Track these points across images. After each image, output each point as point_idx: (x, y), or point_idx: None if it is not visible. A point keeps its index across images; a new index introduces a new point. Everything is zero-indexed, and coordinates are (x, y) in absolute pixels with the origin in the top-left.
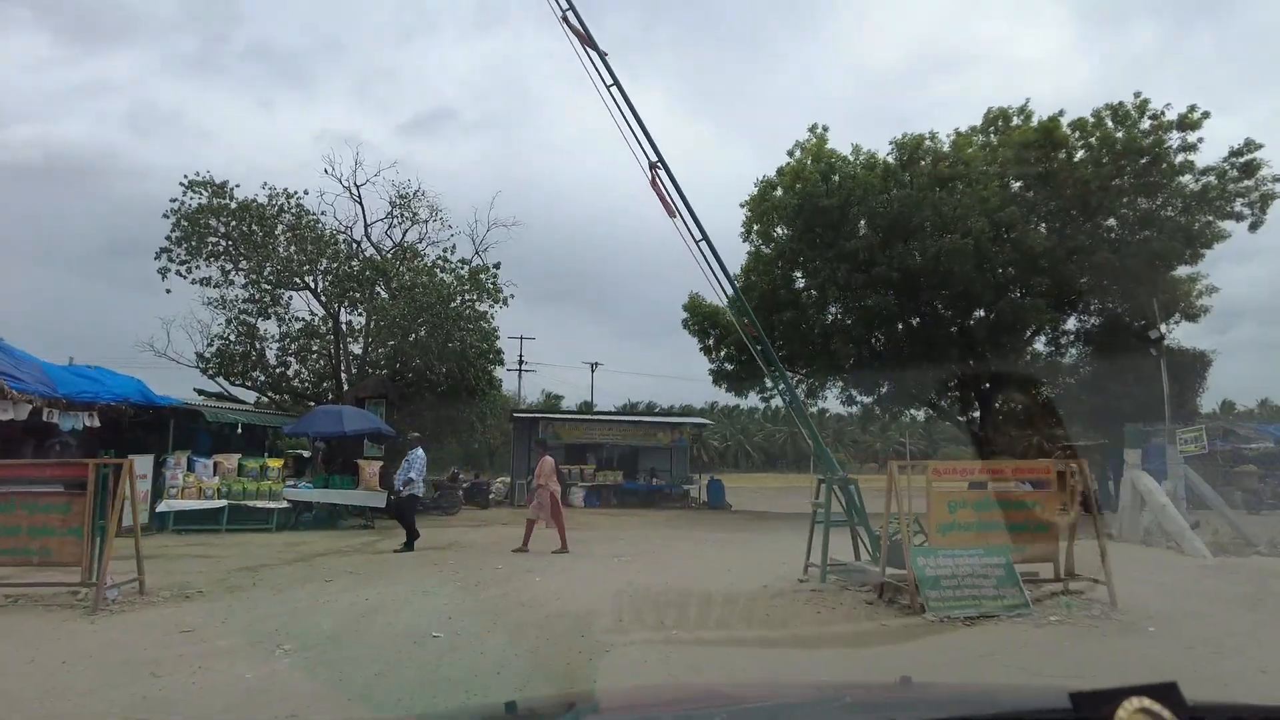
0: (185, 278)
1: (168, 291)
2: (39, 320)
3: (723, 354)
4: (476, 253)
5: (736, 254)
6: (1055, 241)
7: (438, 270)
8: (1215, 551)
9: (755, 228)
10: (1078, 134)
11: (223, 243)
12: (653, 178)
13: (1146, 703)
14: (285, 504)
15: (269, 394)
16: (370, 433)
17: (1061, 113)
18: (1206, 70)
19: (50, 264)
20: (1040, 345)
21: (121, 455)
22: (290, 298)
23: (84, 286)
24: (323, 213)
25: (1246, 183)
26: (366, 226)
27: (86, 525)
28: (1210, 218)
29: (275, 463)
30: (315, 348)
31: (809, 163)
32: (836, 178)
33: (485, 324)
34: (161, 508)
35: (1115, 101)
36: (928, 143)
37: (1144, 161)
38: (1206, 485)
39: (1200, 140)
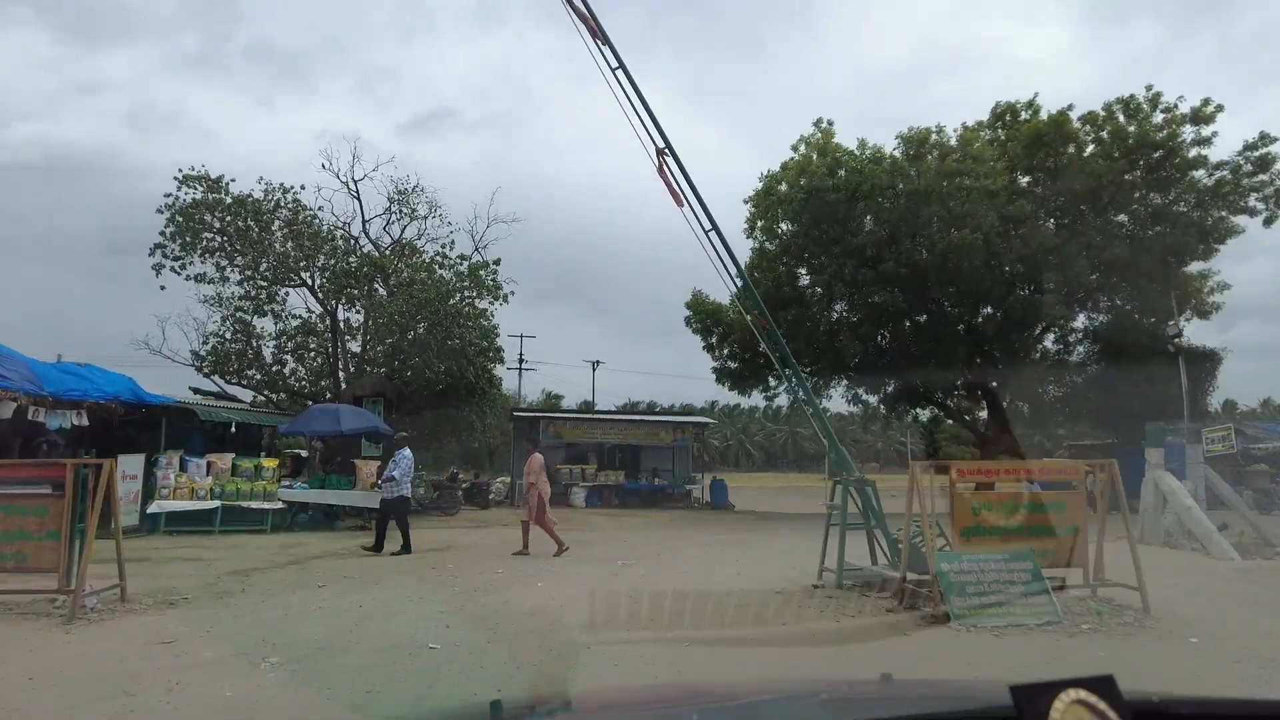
0: (180, 274)
1: (162, 288)
2: (39, 319)
3: (726, 352)
4: (476, 249)
5: (740, 251)
6: (1065, 237)
7: (436, 267)
8: (1242, 554)
9: (759, 224)
10: (1088, 128)
11: (218, 238)
12: (660, 164)
13: (1083, 694)
14: (280, 505)
15: (265, 393)
16: (368, 432)
17: (1071, 107)
18: (1208, 70)
19: (50, 263)
20: (1049, 343)
21: (112, 454)
22: (286, 295)
23: (85, 286)
24: (320, 208)
25: (1261, 177)
26: (364, 222)
27: (64, 529)
28: (1224, 213)
29: (270, 463)
30: (313, 346)
31: (814, 157)
32: (843, 172)
33: (485, 321)
34: (153, 509)
35: (1127, 95)
36: (934, 136)
37: (1157, 155)
38: (1226, 485)
39: (1215, 134)
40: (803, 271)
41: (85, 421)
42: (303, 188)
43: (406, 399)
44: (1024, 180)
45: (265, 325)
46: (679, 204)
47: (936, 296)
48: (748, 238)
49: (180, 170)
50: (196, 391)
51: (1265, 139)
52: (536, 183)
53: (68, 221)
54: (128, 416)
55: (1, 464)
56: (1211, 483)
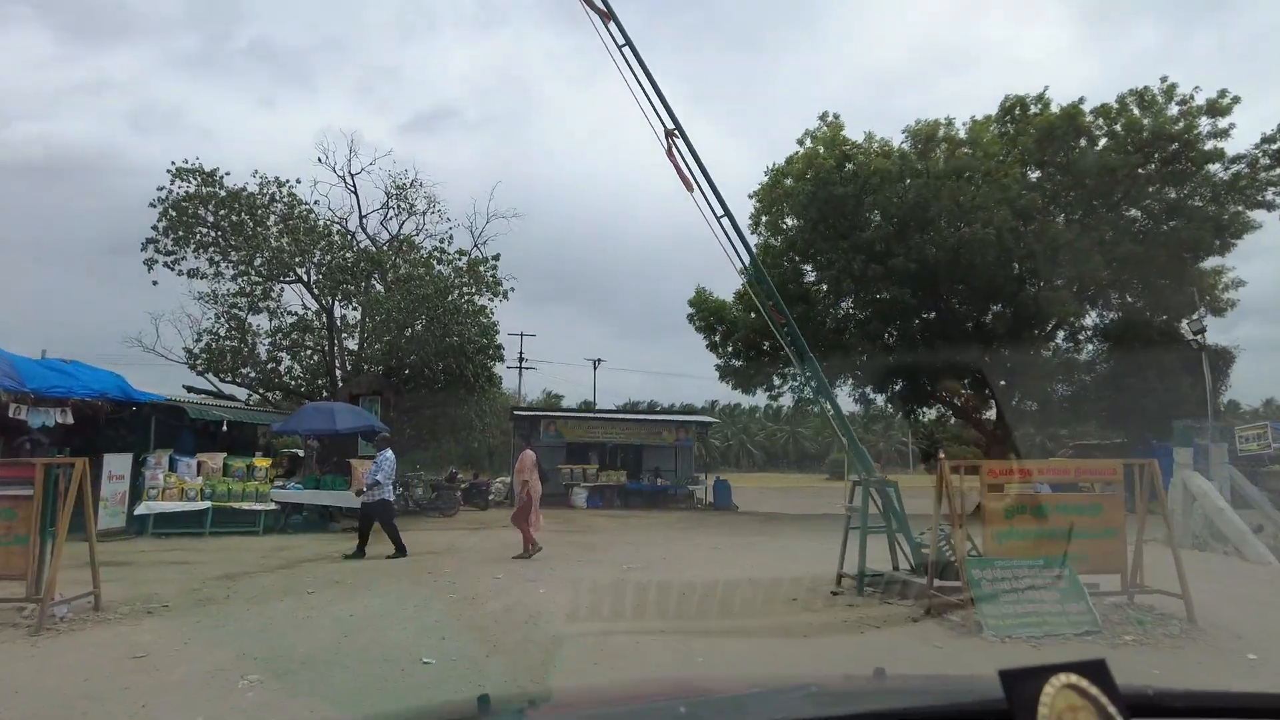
0: (173, 269)
1: (154, 283)
2: (35, 318)
3: (730, 349)
4: (475, 245)
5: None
6: (1077, 232)
7: (435, 262)
8: (1278, 556)
9: (764, 219)
10: (1100, 121)
11: (212, 233)
12: (669, 146)
13: (1074, 679)
14: (273, 506)
15: (260, 391)
16: (364, 430)
17: (1082, 100)
18: (1210, 71)
19: (50, 261)
20: (1060, 340)
21: (99, 454)
22: (282, 290)
23: (85, 284)
24: (316, 202)
25: (1278, 170)
26: (361, 217)
27: (33, 533)
28: (1240, 207)
29: (263, 462)
30: (309, 343)
31: (821, 150)
32: (851, 165)
33: (484, 318)
34: (140, 510)
35: (1141, 86)
36: (943, 130)
37: (1173, 149)
38: (1253, 486)
39: (1232, 126)
40: (808, 268)
41: (70, 419)
42: (298, 181)
43: (404, 397)
44: (1034, 175)
45: (260, 322)
46: (689, 189)
47: (946, 293)
48: (752, 233)
49: (174, 163)
50: (191, 390)
51: None
52: (537, 182)
53: (65, 220)
54: (115, 415)
55: None
56: (1237, 483)
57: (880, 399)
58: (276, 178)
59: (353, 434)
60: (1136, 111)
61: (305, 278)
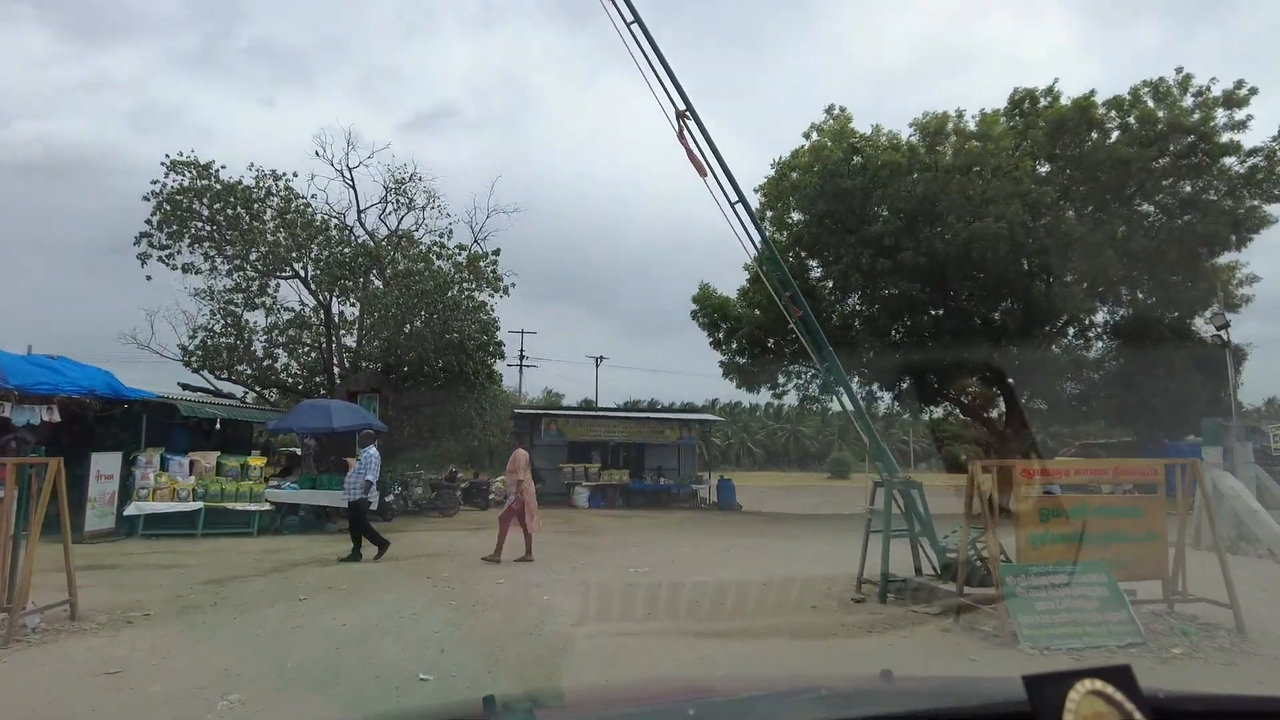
0: (167, 264)
1: (148, 278)
2: (38, 318)
3: (734, 346)
4: (475, 241)
5: (748, 244)
6: (1090, 227)
7: (434, 257)
8: None
9: (769, 214)
10: (1113, 113)
11: (206, 226)
12: (680, 128)
13: (1099, 685)
14: (268, 506)
15: (256, 388)
16: (362, 428)
17: (1094, 92)
18: (1211, 70)
19: (49, 261)
20: (1071, 337)
21: (88, 452)
22: (278, 286)
23: (85, 284)
24: (313, 196)
25: None
26: (360, 212)
27: (4, 537)
28: (1257, 201)
29: (258, 461)
30: (306, 340)
31: (828, 143)
32: (859, 158)
33: (485, 315)
34: (130, 510)
35: (1155, 78)
36: (952, 123)
37: (1188, 141)
38: (1279, 486)
39: (1249, 118)
40: (814, 264)
41: (56, 417)
42: (295, 174)
43: (403, 395)
44: (1044, 169)
45: (257, 319)
46: (702, 174)
47: (956, 289)
48: (747, 238)
49: (168, 155)
50: (187, 388)
51: None
52: (538, 182)
53: (64, 220)
54: (105, 413)
55: None
56: (1263, 483)
57: (887, 397)
58: (273, 171)
59: (350, 432)
60: (1151, 103)
61: (302, 273)
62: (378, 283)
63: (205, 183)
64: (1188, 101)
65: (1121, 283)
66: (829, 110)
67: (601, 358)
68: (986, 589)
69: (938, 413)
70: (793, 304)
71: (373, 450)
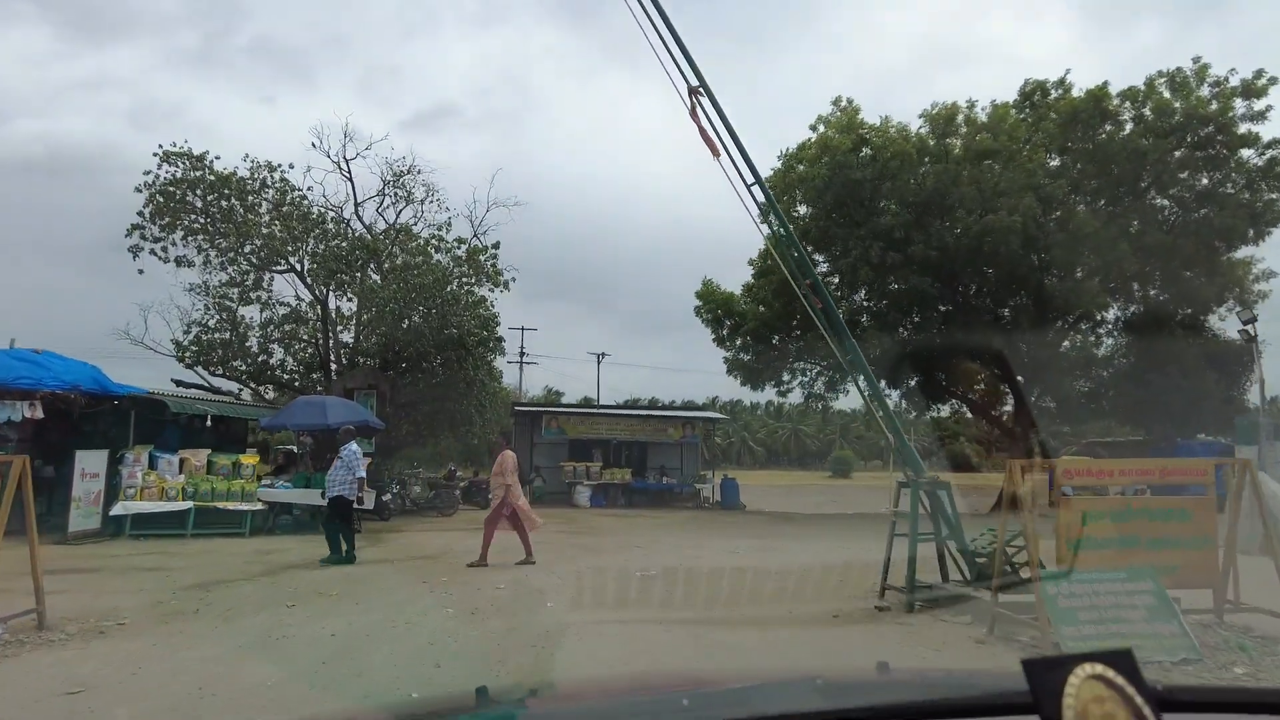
0: (160, 257)
1: (140, 272)
2: (39, 317)
3: (738, 343)
4: (475, 235)
5: (754, 239)
6: (1103, 220)
7: (433, 250)
8: None
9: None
10: (1128, 104)
11: (200, 218)
12: (693, 106)
13: (1100, 669)
14: (260, 506)
15: (251, 384)
16: (359, 426)
17: (1107, 83)
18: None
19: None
20: (1081, 334)
21: (73, 450)
22: (273, 280)
23: (85, 283)
24: (309, 188)
25: None
26: (357, 205)
27: None
28: (1275, 194)
29: (250, 459)
30: (302, 335)
31: (835, 136)
32: (867, 149)
33: (485, 309)
34: (116, 510)
35: (1171, 68)
36: (962, 115)
37: (1205, 132)
38: None
39: (1269, 108)
40: (821, 258)
41: (40, 413)
42: (291, 166)
43: (401, 391)
44: (1055, 162)
45: (252, 314)
46: (715, 154)
47: (966, 283)
48: (763, 223)
49: (160, 146)
50: (180, 384)
51: None
52: (538, 181)
53: (63, 217)
54: (92, 409)
55: None
56: None
57: (894, 394)
58: (269, 162)
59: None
60: (1167, 94)
61: (298, 267)
62: (375, 277)
63: (199, 174)
64: (1204, 92)
65: (1135, 278)
66: (836, 102)
67: (603, 354)
68: (1022, 596)
69: (945, 410)
70: (813, 293)
71: (354, 446)
